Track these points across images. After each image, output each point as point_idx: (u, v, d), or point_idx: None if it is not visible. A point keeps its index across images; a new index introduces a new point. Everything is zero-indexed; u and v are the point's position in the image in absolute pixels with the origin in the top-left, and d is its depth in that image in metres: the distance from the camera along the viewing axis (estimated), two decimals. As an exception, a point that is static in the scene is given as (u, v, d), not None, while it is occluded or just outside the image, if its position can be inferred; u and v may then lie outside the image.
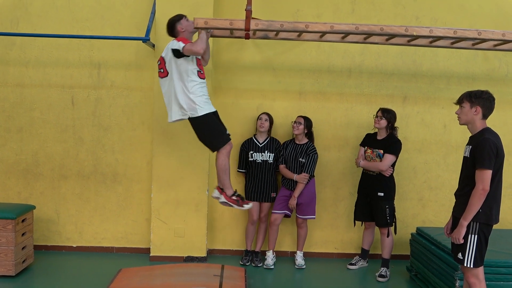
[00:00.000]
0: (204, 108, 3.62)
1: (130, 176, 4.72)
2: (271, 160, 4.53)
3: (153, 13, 4.35)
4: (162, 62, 3.70)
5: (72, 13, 4.59)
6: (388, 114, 4.28)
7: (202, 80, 3.69)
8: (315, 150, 4.50)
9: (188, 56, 3.57)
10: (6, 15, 4.55)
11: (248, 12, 3.49)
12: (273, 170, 4.57)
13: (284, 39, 4.03)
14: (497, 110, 3.05)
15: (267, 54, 4.68)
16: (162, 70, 3.71)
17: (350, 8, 4.68)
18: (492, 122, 3.06)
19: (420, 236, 4.27)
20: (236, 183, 4.63)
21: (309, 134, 4.57)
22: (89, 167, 4.71)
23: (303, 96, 4.75)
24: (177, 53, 3.55)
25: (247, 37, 3.96)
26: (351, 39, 3.99)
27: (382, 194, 4.22)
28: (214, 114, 3.73)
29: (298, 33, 3.94)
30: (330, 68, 4.73)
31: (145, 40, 4.05)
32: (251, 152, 4.55)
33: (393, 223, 4.27)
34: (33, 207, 4.25)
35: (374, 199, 4.27)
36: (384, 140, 4.31)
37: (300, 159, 4.45)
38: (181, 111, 3.65)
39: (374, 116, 4.36)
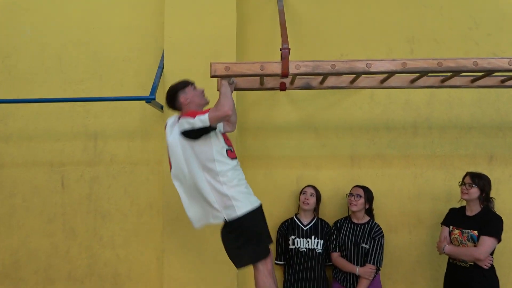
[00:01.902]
0: (244, 203, 2.57)
1: (135, 277, 3.60)
2: (319, 248, 3.36)
3: (160, 67, 3.45)
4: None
5: (63, 74, 3.73)
6: (480, 181, 3.14)
7: (235, 162, 2.68)
8: (382, 232, 3.33)
9: (210, 131, 2.57)
10: (-16, 81, 3.73)
11: (285, 52, 2.51)
12: (322, 262, 3.38)
13: (332, 87, 3.02)
14: None
15: (307, 110, 3.67)
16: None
17: (408, 48, 3.69)
18: None
19: None
20: (275, 282, 3.45)
21: (370, 210, 3.43)
22: (83, 267, 3.62)
23: (356, 162, 3.66)
24: (193, 134, 2.56)
25: (282, 87, 2.98)
26: (423, 83, 2.96)
27: (480, 293, 2.97)
28: (259, 210, 2.67)
29: (352, 79, 2.94)
30: (389, 124, 3.66)
31: (149, 99, 3.10)
32: (293, 237, 3.40)
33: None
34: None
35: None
36: (478, 216, 3.12)
37: (363, 245, 3.27)
38: (213, 212, 2.61)
39: (460, 184, 3.21)
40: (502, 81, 2.91)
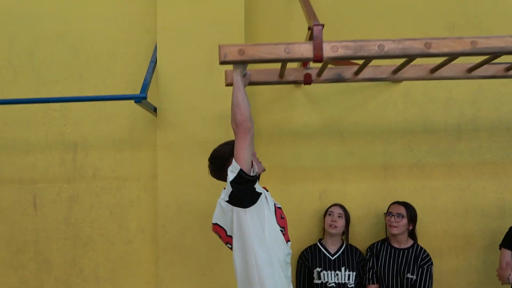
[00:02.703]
0: None
1: (124, 318, 2.94)
2: (351, 283, 2.73)
3: (153, 61, 2.83)
4: (219, 230, 2.15)
5: (35, 73, 3.09)
6: None
7: (288, 250, 2.14)
8: (431, 259, 2.72)
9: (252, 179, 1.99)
10: None
11: (318, 30, 1.89)
12: (359, 293, 2.75)
13: (370, 79, 2.41)
14: None
15: (330, 111, 3.06)
16: (230, 245, 2.14)
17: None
18: None
19: None
20: (297, 322, 2.81)
21: (413, 232, 2.81)
22: (60, 307, 2.96)
23: (390, 173, 3.04)
24: (238, 180, 1.96)
25: (307, 80, 2.37)
26: (483, 72, 2.36)
27: None
28: None
29: (395, 68, 2.33)
30: (427, 127, 3.06)
31: (140, 99, 2.47)
32: (318, 269, 2.77)
33: None
34: None
35: None
36: None
37: (408, 275, 2.65)
38: None
39: None
40: None
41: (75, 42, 3.09)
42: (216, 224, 2.11)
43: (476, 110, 3.07)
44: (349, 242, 2.87)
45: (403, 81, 3.05)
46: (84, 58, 3.08)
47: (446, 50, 1.88)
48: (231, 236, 2.07)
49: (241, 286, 2.06)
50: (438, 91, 3.06)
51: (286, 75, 2.34)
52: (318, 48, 1.86)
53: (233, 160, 1.97)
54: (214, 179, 2.45)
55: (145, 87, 2.58)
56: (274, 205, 2.14)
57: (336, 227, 2.78)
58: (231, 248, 2.12)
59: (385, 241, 2.82)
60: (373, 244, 2.84)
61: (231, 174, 1.96)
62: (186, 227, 2.74)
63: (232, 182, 1.95)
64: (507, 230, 2.83)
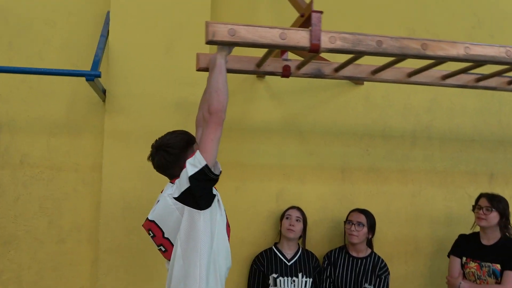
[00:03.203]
0: None
1: (50, 329, 2.55)
2: (308, 289, 2.62)
3: (104, 36, 2.48)
4: (155, 229, 1.83)
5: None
6: (499, 204, 2.63)
7: (230, 264, 1.89)
8: (388, 269, 2.68)
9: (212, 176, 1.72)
10: None
11: (317, 17, 1.72)
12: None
13: (349, 78, 2.31)
14: None
15: (292, 108, 2.92)
16: (163, 248, 1.85)
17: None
18: None
19: None
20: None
21: (370, 241, 2.76)
22: (-31, 317, 2.49)
23: (347, 176, 2.98)
24: (199, 177, 1.69)
25: (286, 73, 2.19)
26: (455, 81, 2.37)
27: None
28: None
29: (374, 69, 2.25)
30: (385, 132, 3.04)
31: (93, 76, 2.12)
32: (274, 275, 2.60)
33: None
34: None
35: None
36: (498, 246, 2.60)
37: (366, 286, 2.58)
38: None
39: (475, 209, 2.68)
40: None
41: (4, 2, 2.63)
42: (153, 221, 1.81)
43: (431, 118, 3.11)
44: (305, 247, 2.75)
45: (364, 84, 3.02)
46: (15, 23, 2.63)
47: (441, 53, 1.82)
48: (167, 239, 1.79)
49: None
50: (397, 97, 3.06)
51: (267, 64, 2.14)
52: (316, 37, 1.70)
53: (197, 152, 1.69)
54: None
55: (96, 63, 2.24)
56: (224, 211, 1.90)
57: (294, 231, 2.64)
58: (164, 252, 1.84)
59: (343, 249, 2.74)
60: (331, 251, 2.75)
61: (192, 167, 1.67)
62: (133, 226, 2.42)
63: (191, 178, 1.66)
64: (453, 237, 2.90)
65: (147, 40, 2.50)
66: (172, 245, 1.76)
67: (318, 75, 2.21)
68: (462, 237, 2.78)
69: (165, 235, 1.78)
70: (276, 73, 2.19)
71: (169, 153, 1.83)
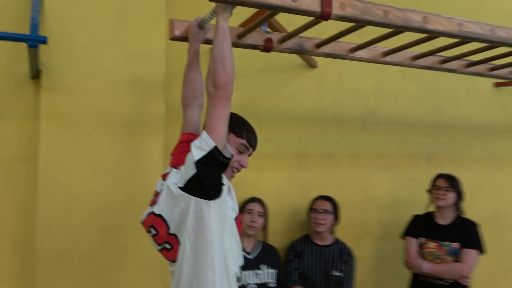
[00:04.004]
0: None
1: None
2: (273, 282, 2.45)
3: (36, -4, 2.00)
4: (160, 224, 1.52)
5: None
6: (457, 184, 2.72)
7: (242, 262, 1.66)
8: (353, 254, 2.62)
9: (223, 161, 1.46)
10: None
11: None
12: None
13: (329, 55, 2.17)
14: None
15: (249, 92, 2.70)
16: (168, 246, 1.56)
17: None
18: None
19: None
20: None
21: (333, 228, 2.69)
22: None
23: (303, 162, 2.86)
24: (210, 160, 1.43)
25: (268, 47, 1.98)
26: (423, 62, 2.38)
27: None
28: None
29: (354, 47, 2.15)
30: (338, 117, 2.99)
31: (37, 42, 1.67)
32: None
33: None
34: None
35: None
36: (455, 225, 2.69)
37: (335, 273, 2.50)
38: None
39: (432, 189, 2.75)
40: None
41: None
42: (159, 216, 1.51)
43: (378, 103, 3.14)
44: (263, 240, 2.57)
45: (317, 67, 2.92)
46: None
47: (439, 27, 1.78)
48: (174, 235, 1.51)
49: None
50: (348, 82, 3.02)
51: (247, 37, 1.90)
52: (327, 2, 1.52)
53: (204, 133, 1.44)
54: (120, 164, 1.90)
55: (35, 28, 1.78)
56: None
57: (255, 228, 2.45)
58: (168, 251, 1.55)
59: (307, 239, 2.62)
60: (296, 242, 2.62)
61: (198, 151, 1.42)
62: (79, 229, 2.02)
63: (198, 162, 1.41)
64: (398, 220, 2.98)
65: (95, 4, 2.08)
66: (179, 242, 1.46)
67: (300, 50, 2.04)
68: (417, 217, 2.83)
69: (171, 231, 1.48)
70: (257, 46, 1.96)
71: None
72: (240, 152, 1.62)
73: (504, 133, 3.67)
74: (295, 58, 2.78)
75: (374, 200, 3.09)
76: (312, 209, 2.60)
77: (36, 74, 2.03)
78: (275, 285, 2.45)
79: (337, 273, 2.51)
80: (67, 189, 2.02)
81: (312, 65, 2.87)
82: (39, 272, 1.97)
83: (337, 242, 2.63)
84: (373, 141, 3.10)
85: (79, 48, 2.05)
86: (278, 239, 2.69)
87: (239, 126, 1.63)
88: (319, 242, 2.59)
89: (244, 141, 1.62)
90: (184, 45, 1.92)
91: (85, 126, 2.05)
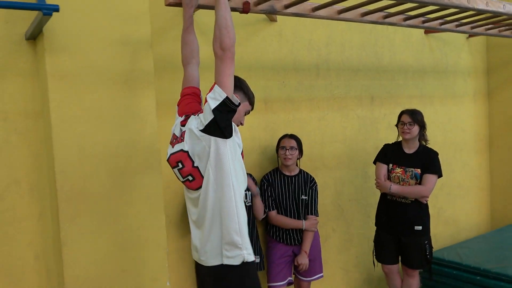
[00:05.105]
0: (250, 250, 1.99)
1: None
2: (248, 200, 2.91)
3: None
4: (186, 160, 1.98)
5: None
6: (419, 117, 3.21)
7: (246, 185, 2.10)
8: (315, 181, 3.14)
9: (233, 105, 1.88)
10: None
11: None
12: (253, 221, 2.97)
13: (295, 14, 2.55)
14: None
15: (220, 45, 3.03)
16: (191, 178, 2.00)
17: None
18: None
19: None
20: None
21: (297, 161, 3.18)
22: None
23: (269, 106, 3.29)
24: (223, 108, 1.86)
25: (246, 9, 2.33)
26: (370, 18, 2.82)
27: (420, 227, 3.16)
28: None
29: (314, 7, 2.54)
30: (296, 65, 3.41)
31: (51, 11, 1.91)
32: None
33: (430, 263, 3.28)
34: None
35: (408, 235, 3.19)
36: (418, 154, 3.23)
37: (303, 197, 3.01)
38: (225, 251, 1.95)
39: (398, 124, 3.25)
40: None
41: None
42: (187, 152, 1.93)
43: (328, 52, 3.58)
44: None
45: (277, 21, 3.29)
46: None
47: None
48: (197, 168, 1.93)
49: (208, 222, 1.96)
50: (304, 33, 3.43)
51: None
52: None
53: (216, 86, 1.84)
54: (120, 115, 2.32)
55: (43, -3, 2.00)
56: None
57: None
58: (190, 182, 1.98)
59: (277, 171, 3.09)
60: (267, 175, 3.08)
61: (213, 101, 1.82)
62: (91, 172, 2.34)
63: (215, 110, 1.82)
64: (349, 152, 3.53)
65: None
66: (201, 174, 1.87)
67: (271, 11, 2.40)
68: (386, 146, 3.35)
69: (195, 164, 1.88)
70: (237, 9, 2.30)
71: None
72: (244, 114, 2.10)
73: (432, 73, 4.28)
74: (257, 14, 3.12)
75: (329, 136, 3.61)
76: (280, 146, 3.05)
77: (32, 36, 2.25)
78: (249, 204, 2.91)
79: (304, 197, 3.03)
80: (78, 138, 2.31)
81: (272, 20, 3.23)
82: (62, 211, 2.28)
83: (301, 172, 3.13)
84: (326, 85, 3.58)
85: (75, 12, 2.28)
86: (252, 173, 3.14)
87: (252, 98, 2.12)
88: (287, 173, 3.08)
89: (250, 108, 2.12)
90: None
91: (86, 82, 2.31)
